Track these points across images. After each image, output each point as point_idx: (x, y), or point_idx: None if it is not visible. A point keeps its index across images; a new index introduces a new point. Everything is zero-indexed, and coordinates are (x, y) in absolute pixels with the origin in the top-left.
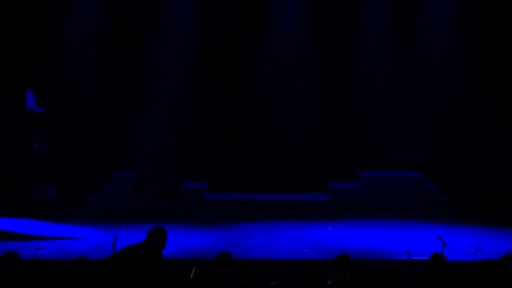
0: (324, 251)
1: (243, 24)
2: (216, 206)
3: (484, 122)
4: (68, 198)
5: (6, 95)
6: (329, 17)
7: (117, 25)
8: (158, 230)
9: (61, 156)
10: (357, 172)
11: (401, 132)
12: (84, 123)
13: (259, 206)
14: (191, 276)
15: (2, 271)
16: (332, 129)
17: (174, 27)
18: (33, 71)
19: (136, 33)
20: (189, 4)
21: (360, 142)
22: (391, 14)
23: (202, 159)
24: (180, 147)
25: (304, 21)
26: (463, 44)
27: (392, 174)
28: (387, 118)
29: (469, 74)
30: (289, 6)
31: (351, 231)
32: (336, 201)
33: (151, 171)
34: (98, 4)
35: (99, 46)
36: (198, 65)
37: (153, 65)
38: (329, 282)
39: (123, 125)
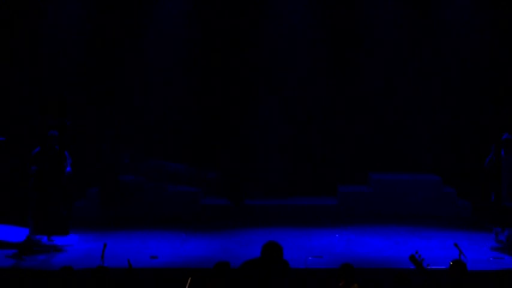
0: (331, 259)
1: (243, 20)
2: (213, 211)
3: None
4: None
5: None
6: (337, 10)
7: (108, 23)
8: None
9: None
10: (367, 174)
11: (416, 132)
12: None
13: (260, 211)
14: (186, 287)
15: None
16: (340, 128)
17: (169, 21)
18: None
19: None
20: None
21: (371, 142)
22: (405, 8)
23: (201, 160)
24: (176, 148)
25: (310, 16)
26: (482, 42)
27: (405, 177)
28: (400, 117)
29: (487, 71)
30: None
31: (360, 239)
32: (345, 205)
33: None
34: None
35: (89, 45)
36: (197, 65)
37: (147, 61)
38: None
39: (108, 124)
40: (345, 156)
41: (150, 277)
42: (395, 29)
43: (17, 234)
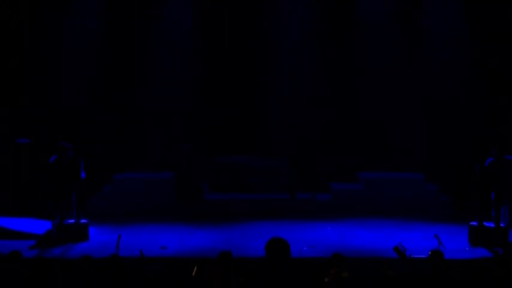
0: (325, 249)
1: (245, 21)
2: (217, 206)
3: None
4: None
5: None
6: (331, 14)
7: (115, 24)
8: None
9: None
10: (357, 173)
11: (402, 134)
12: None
13: (259, 206)
14: (193, 275)
15: (7, 269)
16: (334, 130)
17: (175, 22)
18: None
19: (136, 31)
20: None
21: (362, 143)
22: (394, 12)
23: (203, 159)
24: (179, 148)
25: (306, 20)
26: (464, 43)
27: (392, 176)
28: (389, 118)
29: (471, 71)
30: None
31: (350, 231)
32: (337, 202)
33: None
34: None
35: (99, 44)
36: (198, 67)
37: (153, 61)
38: (326, 279)
39: (120, 126)
40: (337, 156)
41: (160, 265)
42: (387, 34)
43: (40, 226)
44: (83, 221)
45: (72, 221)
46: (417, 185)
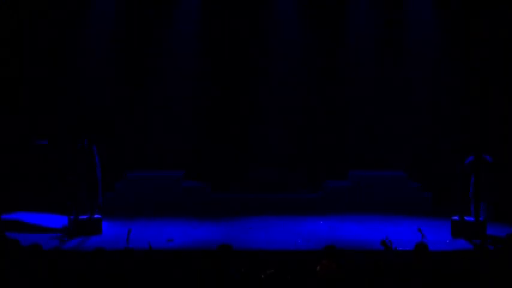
0: (317, 242)
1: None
2: (219, 204)
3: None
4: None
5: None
6: (324, 19)
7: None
8: None
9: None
10: (347, 171)
11: (388, 135)
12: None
13: (257, 204)
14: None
15: (27, 261)
16: (326, 132)
17: (177, 31)
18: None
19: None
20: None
21: (351, 144)
22: (383, 17)
23: (204, 159)
24: (182, 148)
25: (299, 25)
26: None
27: (378, 174)
28: (377, 119)
29: (452, 74)
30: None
31: (341, 225)
32: (329, 197)
33: None
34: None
35: (108, 48)
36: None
37: (160, 64)
38: (318, 268)
39: (132, 125)
40: (328, 155)
41: (167, 257)
42: (374, 38)
43: (57, 221)
44: (96, 216)
45: (87, 216)
46: (401, 182)
